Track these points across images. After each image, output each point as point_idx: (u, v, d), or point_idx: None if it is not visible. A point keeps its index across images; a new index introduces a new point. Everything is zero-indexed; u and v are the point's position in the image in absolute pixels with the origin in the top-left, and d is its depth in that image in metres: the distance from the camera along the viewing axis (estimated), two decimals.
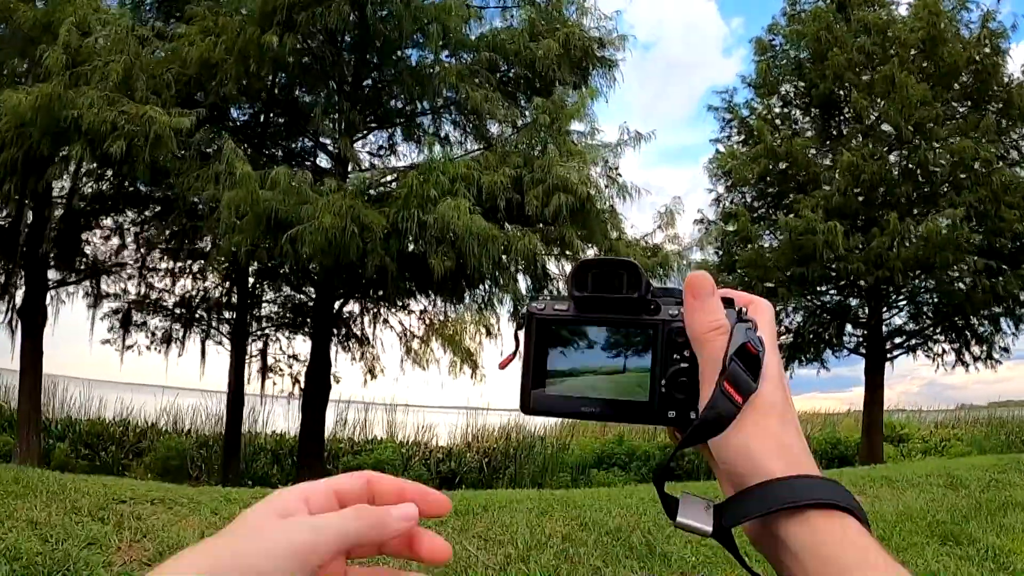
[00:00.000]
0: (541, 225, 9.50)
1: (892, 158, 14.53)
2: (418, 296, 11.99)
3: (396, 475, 0.58)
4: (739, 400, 0.60)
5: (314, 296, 13.73)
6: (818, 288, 14.43)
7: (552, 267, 13.18)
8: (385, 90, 11.00)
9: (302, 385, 13.53)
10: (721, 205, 17.20)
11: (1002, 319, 15.76)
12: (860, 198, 13.63)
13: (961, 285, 14.87)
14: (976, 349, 16.41)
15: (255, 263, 11.01)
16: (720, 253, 16.51)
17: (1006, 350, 16.40)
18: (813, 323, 17.33)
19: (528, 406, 0.70)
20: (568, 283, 0.70)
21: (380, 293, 13.49)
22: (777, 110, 17.55)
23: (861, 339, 17.08)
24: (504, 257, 8.95)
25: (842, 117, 16.13)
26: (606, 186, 10.27)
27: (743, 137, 17.77)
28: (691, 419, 0.64)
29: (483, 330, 13.91)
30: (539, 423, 22.90)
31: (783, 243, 13.34)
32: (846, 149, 13.71)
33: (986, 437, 22.48)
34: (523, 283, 13.11)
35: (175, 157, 9.87)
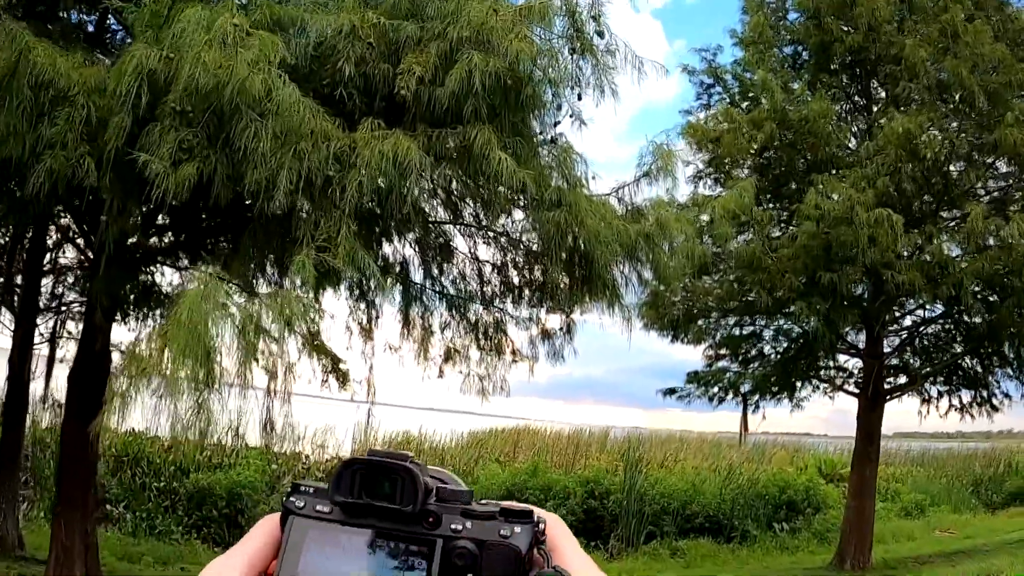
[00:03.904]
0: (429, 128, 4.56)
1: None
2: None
3: (256, 502, 0.72)
4: None
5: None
6: (846, 303, 10.17)
7: (461, 243, 8.42)
8: None
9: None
10: (697, 187, 12.85)
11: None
12: (914, 183, 9.44)
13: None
14: (975, 393, 13.98)
15: None
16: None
17: (1008, 395, 14.02)
18: (793, 350, 13.71)
19: None
20: (329, 484, 0.59)
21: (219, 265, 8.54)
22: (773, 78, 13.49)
23: (847, 375, 14.36)
24: (341, 178, 4.03)
25: (873, 82, 12.08)
26: (572, 51, 5.28)
27: (729, 104, 13.79)
28: None
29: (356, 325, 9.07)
30: (439, 436, 20.54)
31: (804, 236, 8.98)
32: (899, 112, 9.48)
33: (929, 480, 21.58)
34: (414, 264, 8.38)
35: None
